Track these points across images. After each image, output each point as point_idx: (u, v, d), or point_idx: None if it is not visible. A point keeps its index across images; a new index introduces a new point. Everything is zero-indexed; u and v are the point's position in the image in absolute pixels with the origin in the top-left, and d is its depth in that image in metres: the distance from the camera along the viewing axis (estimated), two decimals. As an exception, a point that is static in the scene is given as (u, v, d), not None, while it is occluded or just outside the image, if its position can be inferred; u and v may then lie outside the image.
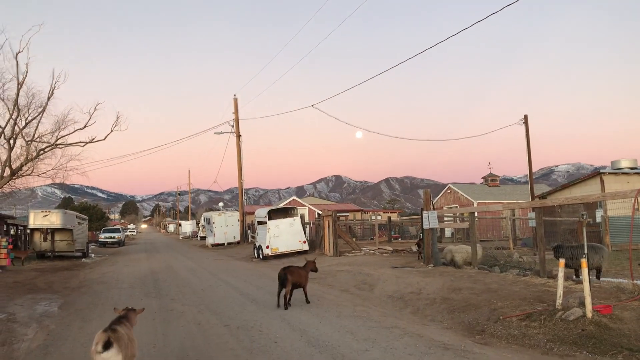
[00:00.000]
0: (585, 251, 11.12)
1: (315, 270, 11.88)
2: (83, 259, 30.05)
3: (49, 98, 29.02)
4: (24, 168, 29.08)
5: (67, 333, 9.33)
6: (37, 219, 28.93)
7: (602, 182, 24.76)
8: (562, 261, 8.65)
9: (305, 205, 56.84)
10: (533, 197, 33.14)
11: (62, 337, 8.99)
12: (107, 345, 5.09)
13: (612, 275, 11.71)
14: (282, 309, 10.78)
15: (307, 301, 11.35)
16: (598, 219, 20.18)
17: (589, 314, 7.45)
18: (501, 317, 8.53)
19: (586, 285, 7.62)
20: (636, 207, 9.92)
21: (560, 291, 8.29)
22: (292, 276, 11.03)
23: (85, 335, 8.90)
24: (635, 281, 9.76)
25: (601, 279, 11.22)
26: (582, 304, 7.72)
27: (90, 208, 69.91)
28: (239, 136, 40.34)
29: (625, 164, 27.03)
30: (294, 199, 63.37)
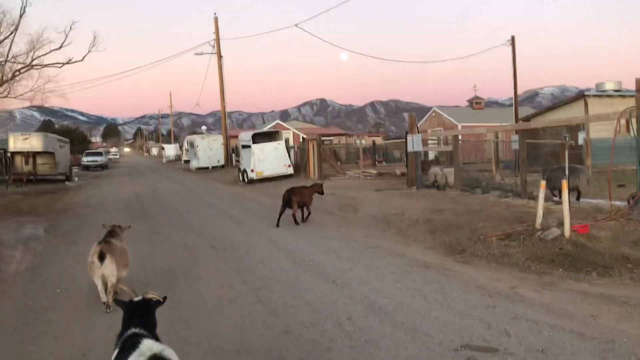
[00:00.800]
0: (567, 173, 11.28)
1: (321, 192, 12.37)
2: (67, 183, 29.90)
3: (21, 16, 27.84)
4: (0, 90, 28.31)
5: (54, 255, 9.42)
6: (17, 143, 28.51)
7: (586, 104, 24.77)
8: (543, 182, 8.79)
9: (290, 129, 56.50)
10: (517, 120, 33.23)
11: (49, 259, 9.08)
12: (101, 256, 5.73)
13: (592, 196, 11.96)
14: (269, 231, 10.97)
15: (305, 219, 11.83)
16: (581, 142, 20.36)
17: (567, 234, 7.66)
18: (482, 237, 8.73)
19: (565, 206, 7.78)
20: (618, 129, 9.99)
21: (540, 212, 8.47)
22: (297, 197, 11.51)
23: (72, 257, 8.99)
24: (613, 202, 9.99)
25: (580, 200, 11.46)
26: (561, 224, 7.91)
27: (72, 131, 69.00)
28: (220, 57, 39.31)
29: (609, 86, 26.97)
30: (278, 123, 62.88)
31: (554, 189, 11.61)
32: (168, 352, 2.93)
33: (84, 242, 9.77)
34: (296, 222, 11.54)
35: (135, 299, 3.60)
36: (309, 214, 12.00)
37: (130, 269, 6.56)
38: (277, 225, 11.41)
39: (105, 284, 5.90)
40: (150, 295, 3.58)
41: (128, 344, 3.01)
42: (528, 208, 10.51)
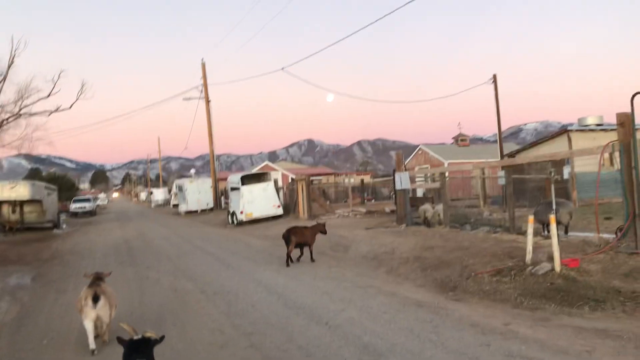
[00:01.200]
0: (554, 207, 11.39)
1: (324, 232, 12.45)
2: (54, 230, 29.59)
3: (9, 66, 27.91)
4: (-13, 139, 28.19)
5: (41, 305, 9.25)
6: (4, 192, 28.25)
7: (569, 139, 25.13)
8: (531, 217, 8.85)
9: (278, 170, 56.68)
10: (502, 156, 33.58)
11: (36, 309, 8.91)
12: (95, 298, 6.00)
13: (580, 229, 12.04)
14: (260, 273, 10.89)
15: (312, 259, 11.94)
16: (566, 176, 20.59)
17: (558, 268, 7.68)
18: (473, 274, 8.72)
19: (554, 240, 7.82)
20: (602, 163, 10.14)
21: (529, 247, 8.50)
22: (296, 236, 11.64)
23: (61, 307, 8.85)
24: (601, 235, 10.06)
25: (569, 233, 11.53)
26: (550, 259, 7.93)
27: (59, 178, 68.42)
28: (208, 102, 39.67)
29: (591, 120, 27.44)
30: (266, 164, 63.15)
31: (543, 223, 11.70)
32: None
33: (72, 291, 9.63)
34: (287, 263, 11.57)
35: (136, 337, 3.91)
36: (311, 253, 12.08)
37: (119, 316, 6.49)
38: (287, 265, 11.52)
39: (96, 326, 6.13)
40: (149, 334, 3.90)
41: None
42: (517, 243, 10.53)
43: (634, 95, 9.17)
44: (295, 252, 11.96)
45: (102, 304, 6.04)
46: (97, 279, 6.63)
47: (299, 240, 11.75)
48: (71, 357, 6.17)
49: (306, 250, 12.16)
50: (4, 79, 27.95)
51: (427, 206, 16.70)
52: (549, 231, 10.21)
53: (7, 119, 28.81)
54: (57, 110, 30.24)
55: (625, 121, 9.21)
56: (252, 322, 7.12)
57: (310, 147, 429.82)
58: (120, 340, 3.85)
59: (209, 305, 8.34)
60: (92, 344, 6.04)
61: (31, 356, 6.29)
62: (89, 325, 6.04)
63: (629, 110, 9.18)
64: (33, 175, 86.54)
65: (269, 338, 6.32)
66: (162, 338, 3.93)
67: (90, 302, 5.97)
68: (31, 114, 29.78)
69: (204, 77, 39.98)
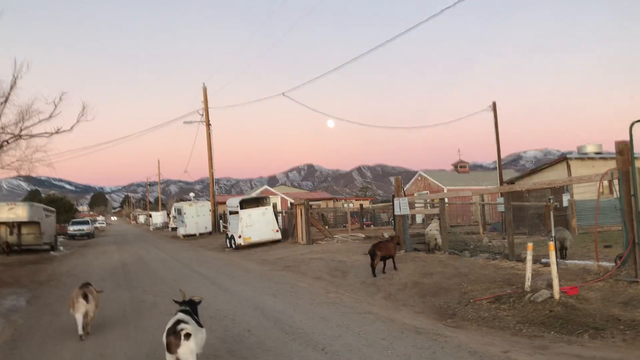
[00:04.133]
0: (553, 234, 11.36)
1: (399, 243, 13.83)
2: (51, 252, 29.47)
3: (11, 88, 28.03)
4: (-13, 160, 28.20)
5: (36, 327, 9.16)
6: (2, 213, 28.18)
7: (568, 166, 25.27)
8: (530, 244, 8.83)
9: (278, 194, 56.66)
10: (502, 182, 33.65)
11: (30, 332, 8.82)
12: (85, 297, 7.68)
13: (579, 257, 11.99)
14: (256, 298, 10.81)
15: (395, 267, 12.72)
16: (565, 203, 20.61)
17: (557, 296, 7.63)
18: (472, 301, 8.67)
19: (553, 268, 7.79)
20: (601, 190, 10.15)
21: (528, 274, 8.46)
22: (381, 251, 12.45)
23: (55, 330, 8.76)
24: (600, 262, 10.02)
25: (567, 261, 11.48)
26: (549, 286, 7.89)
27: (58, 200, 68.36)
28: (208, 125, 39.90)
29: (590, 149, 27.62)
30: (266, 188, 63.11)
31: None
32: (188, 319, 5.23)
33: (67, 313, 9.50)
34: (374, 273, 12.33)
35: (186, 299, 5.95)
36: (394, 262, 12.82)
37: (115, 340, 6.46)
38: (374, 275, 12.29)
39: (85, 318, 7.78)
40: (196, 298, 6.13)
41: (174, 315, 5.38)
42: (517, 270, 10.49)
43: (632, 124, 9.23)
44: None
45: (90, 300, 7.71)
46: (87, 284, 8.19)
47: (383, 254, 12.45)
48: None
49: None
50: (6, 100, 28.10)
51: (433, 225, 16.51)
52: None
53: (7, 140, 28.88)
54: (57, 132, 30.30)
55: (623, 149, 9.25)
56: (248, 347, 7.05)
57: (309, 171, 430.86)
58: (175, 301, 5.88)
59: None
60: (80, 331, 7.68)
61: (23, 380, 6.21)
62: (79, 318, 7.64)
63: (627, 138, 9.23)
64: (32, 197, 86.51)
65: (264, 364, 6.24)
66: (201, 301, 6.18)
67: (81, 299, 7.61)
68: (31, 136, 29.87)
69: (205, 100, 40.28)
